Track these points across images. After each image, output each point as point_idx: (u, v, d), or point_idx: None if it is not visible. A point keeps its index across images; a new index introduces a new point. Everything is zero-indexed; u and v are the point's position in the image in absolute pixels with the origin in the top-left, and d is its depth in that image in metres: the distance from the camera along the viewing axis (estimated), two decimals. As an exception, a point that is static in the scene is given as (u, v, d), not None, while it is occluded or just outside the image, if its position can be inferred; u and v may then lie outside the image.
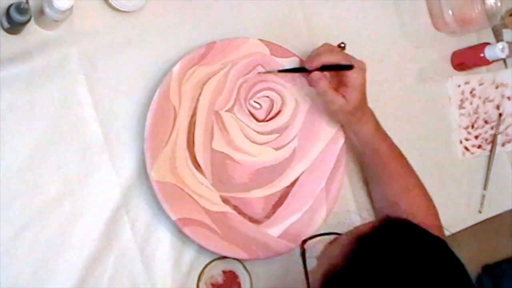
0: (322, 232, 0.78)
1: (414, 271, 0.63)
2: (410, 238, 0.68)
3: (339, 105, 0.92)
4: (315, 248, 0.75)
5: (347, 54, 0.94)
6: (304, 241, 0.77)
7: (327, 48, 0.94)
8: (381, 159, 0.98)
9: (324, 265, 0.68)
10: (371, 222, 0.70)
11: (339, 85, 0.93)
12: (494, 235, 1.23)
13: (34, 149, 0.85)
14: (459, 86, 1.18)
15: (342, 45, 0.95)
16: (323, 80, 0.92)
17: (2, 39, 0.84)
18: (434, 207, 0.99)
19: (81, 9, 0.87)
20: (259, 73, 0.97)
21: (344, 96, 0.92)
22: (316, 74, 0.92)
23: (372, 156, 0.99)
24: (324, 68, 0.92)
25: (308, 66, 0.94)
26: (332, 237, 0.74)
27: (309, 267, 0.73)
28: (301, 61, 0.98)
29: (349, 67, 0.91)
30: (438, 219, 0.99)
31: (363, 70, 0.93)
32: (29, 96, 0.85)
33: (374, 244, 0.66)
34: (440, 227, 0.99)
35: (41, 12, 0.82)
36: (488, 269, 1.27)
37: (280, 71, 0.97)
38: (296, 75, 0.99)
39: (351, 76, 0.92)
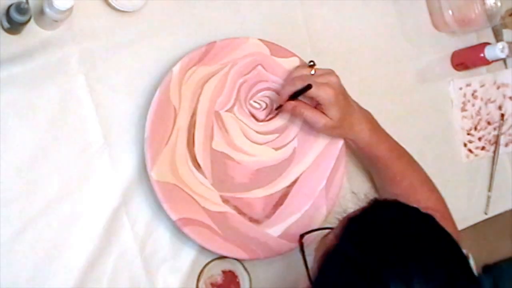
0: (320, 227, 0.79)
1: (403, 243, 0.64)
2: (398, 213, 0.69)
3: (323, 123, 0.92)
4: (314, 244, 0.75)
5: (307, 76, 0.92)
6: (302, 236, 0.78)
7: (288, 78, 0.94)
8: (382, 163, 0.98)
9: (319, 253, 0.69)
10: (361, 207, 0.71)
11: (316, 105, 0.93)
12: (494, 235, 1.23)
13: (34, 149, 0.85)
14: (460, 88, 1.18)
15: (311, 63, 0.94)
16: (296, 106, 0.92)
17: (2, 39, 0.84)
18: (442, 200, 0.99)
19: (81, 9, 0.87)
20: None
21: (324, 113, 0.92)
22: (288, 104, 0.93)
23: (373, 160, 0.99)
24: (291, 98, 0.92)
25: (278, 101, 0.95)
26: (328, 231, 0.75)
27: (309, 264, 0.73)
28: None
29: (307, 88, 0.90)
30: (447, 210, 0.99)
31: (329, 83, 0.91)
32: (29, 96, 0.85)
33: (365, 220, 0.68)
34: (450, 218, 0.99)
35: (41, 12, 0.82)
36: (488, 269, 1.27)
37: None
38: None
39: (317, 94, 0.90)
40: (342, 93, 0.92)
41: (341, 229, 0.68)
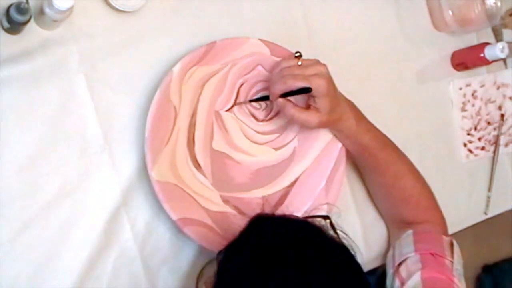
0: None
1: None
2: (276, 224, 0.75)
3: (316, 121, 0.91)
4: None
5: (297, 73, 0.89)
6: (198, 279, 0.82)
7: (277, 72, 0.91)
8: (367, 151, 0.97)
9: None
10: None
11: (308, 98, 0.92)
12: (494, 235, 1.24)
13: (34, 149, 0.85)
14: (460, 89, 1.18)
15: (298, 54, 0.92)
16: (287, 105, 0.91)
17: (2, 39, 0.84)
18: (428, 189, 1.00)
19: (81, 9, 0.87)
20: (238, 104, 0.96)
21: (315, 108, 0.90)
22: (279, 102, 0.91)
23: (358, 150, 0.98)
24: (285, 95, 0.90)
25: (272, 94, 0.93)
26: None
27: None
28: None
29: (307, 90, 0.88)
30: (433, 199, 1.00)
31: (319, 74, 0.89)
32: (29, 96, 0.85)
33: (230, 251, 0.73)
34: (437, 207, 1.00)
35: (41, 12, 0.82)
36: (488, 269, 1.27)
37: (251, 100, 0.97)
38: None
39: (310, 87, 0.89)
40: (332, 83, 0.91)
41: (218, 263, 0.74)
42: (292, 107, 0.91)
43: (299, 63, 0.91)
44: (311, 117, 0.91)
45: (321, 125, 0.93)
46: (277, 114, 0.99)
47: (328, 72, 0.91)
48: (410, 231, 0.95)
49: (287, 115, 0.92)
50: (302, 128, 0.97)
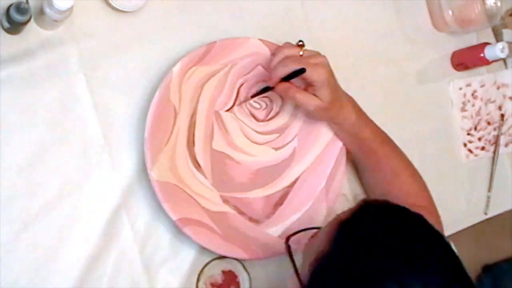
0: (305, 228, 0.79)
1: (396, 246, 0.64)
2: (389, 215, 0.69)
3: (314, 105, 0.91)
4: (301, 244, 0.76)
5: (299, 57, 0.90)
6: (288, 238, 0.78)
7: (279, 58, 0.91)
8: (366, 146, 0.97)
9: (309, 255, 0.69)
10: (350, 209, 0.71)
11: (307, 87, 0.92)
12: (494, 235, 1.23)
13: (34, 148, 0.85)
14: (460, 89, 1.18)
15: (300, 43, 0.92)
16: (289, 88, 0.91)
17: (2, 39, 0.84)
18: (426, 188, 1.00)
19: (81, 9, 0.87)
20: (238, 105, 0.96)
21: (316, 95, 0.91)
22: (280, 86, 0.91)
23: (357, 144, 0.98)
24: (283, 79, 0.90)
25: (269, 83, 0.93)
26: (314, 231, 0.75)
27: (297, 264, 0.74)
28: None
29: (302, 71, 0.88)
30: (430, 198, 0.99)
31: (321, 64, 0.89)
32: (29, 96, 0.85)
33: (356, 225, 0.68)
34: (433, 206, 0.99)
35: (41, 12, 0.82)
36: (488, 269, 1.27)
37: (253, 96, 0.96)
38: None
39: (311, 75, 0.89)
40: (332, 75, 0.91)
41: (332, 233, 0.68)
42: (295, 88, 0.91)
43: (301, 52, 0.91)
44: (311, 99, 0.90)
45: (319, 111, 0.92)
46: (277, 114, 0.99)
47: (328, 63, 0.91)
48: None
49: (290, 95, 0.91)
50: (303, 112, 0.97)
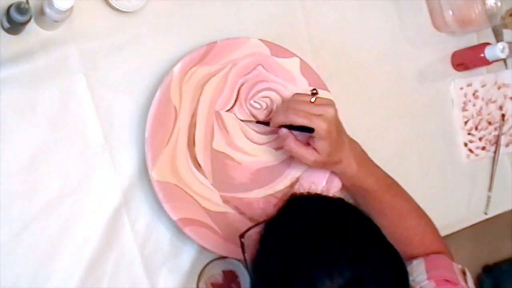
0: (255, 224, 0.82)
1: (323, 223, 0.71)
2: (315, 201, 0.77)
3: (312, 160, 0.90)
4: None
5: (302, 109, 0.88)
6: (242, 234, 0.81)
7: (291, 106, 0.89)
8: (370, 195, 0.96)
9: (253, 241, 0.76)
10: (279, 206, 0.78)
11: (309, 137, 0.90)
12: (494, 235, 1.24)
13: (35, 149, 0.85)
14: (461, 88, 1.18)
15: (314, 91, 0.91)
16: (287, 138, 0.90)
17: (2, 39, 0.84)
18: (431, 224, 0.98)
19: (81, 9, 0.87)
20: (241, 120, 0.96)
21: (314, 148, 0.89)
22: (282, 131, 0.90)
23: (360, 192, 0.97)
24: (288, 126, 0.89)
25: (272, 122, 0.92)
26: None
27: None
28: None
29: (310, 130, 0.87)
30: (436, 232, 0.98)
31: (324, 116, 0.87)
32: (29, 96, 0.85)
33: (279, 224, 0.75)
34: (441, 240, 0.98)
35: (41, 12, 0.82)
36: (488, 269, 1.27)
37: (258, 122, 0.96)
38: (296, 75, 0.99)
39: (310, 126, 0.87)
40: (335, 127, 0.89)
41: (260, 232, 0.76)
42: (293, 141, 0.90)
43: (313, 99, 0.89)
44: (308, 154, 0.89)
45: (317, 165, 0.91)
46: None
47: (335, 115, 0.89)
48: (420, 259, 0.92)
49: (286, 147, 0.91)
50: (299, 162, 0.95)
